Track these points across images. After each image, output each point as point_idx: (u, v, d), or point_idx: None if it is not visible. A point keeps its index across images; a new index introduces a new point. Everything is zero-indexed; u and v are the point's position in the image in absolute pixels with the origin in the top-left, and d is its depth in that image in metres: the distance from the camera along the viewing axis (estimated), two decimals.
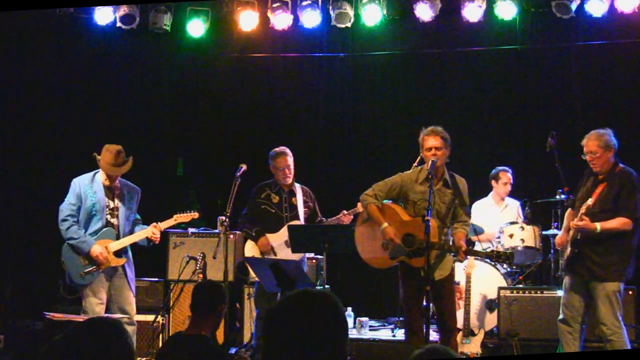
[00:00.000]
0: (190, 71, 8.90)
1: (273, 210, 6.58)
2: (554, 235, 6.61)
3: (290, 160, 6.60)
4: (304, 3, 7.93)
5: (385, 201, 5.54)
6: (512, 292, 6.61)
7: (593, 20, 7.73)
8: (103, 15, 8.03)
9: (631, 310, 6.45)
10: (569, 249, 5.53)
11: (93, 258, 5.78)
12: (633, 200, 5.35)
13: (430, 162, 5.26)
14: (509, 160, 7.94)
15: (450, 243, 5.46)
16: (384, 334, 7.28)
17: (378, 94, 8.91)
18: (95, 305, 5.78)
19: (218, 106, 8.97)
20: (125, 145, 6.07)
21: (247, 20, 8.09)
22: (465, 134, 8.16)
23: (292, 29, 8.09)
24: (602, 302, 5.33)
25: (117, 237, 5.92)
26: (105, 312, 5.82)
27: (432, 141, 5.37)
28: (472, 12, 7.75)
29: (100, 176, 5.94)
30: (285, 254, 6.40)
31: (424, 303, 5.42)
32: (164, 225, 6.11)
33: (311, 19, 8.01)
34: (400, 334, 6.87)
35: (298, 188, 6.71)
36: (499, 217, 7.52)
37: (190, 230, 7.20)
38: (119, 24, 8.01)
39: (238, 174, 6.21)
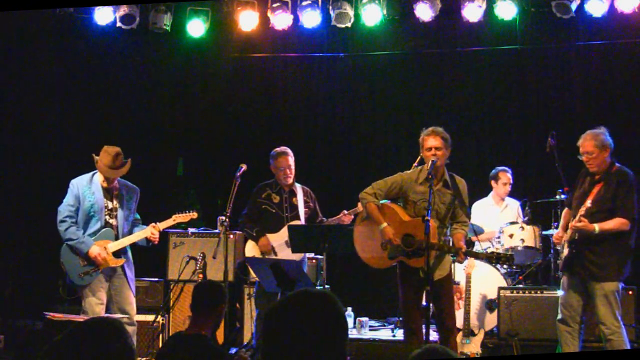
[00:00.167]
0: (190, 71, 8.91)
1: (274, 210, 6.58)
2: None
3: (291, 160, 6.60)
4: (304, 3, 7.93)
5: (384, 201, 5.54)
6: (512, 292, 6.61)
7: (593, 20, 7.73)
8: (103, 15, 8.03)
9: (631, 310, 6.45)
10: (566, 249, 5.53)
11: (92, 259, 5.79)
12: (630, 200, 5.36)
13: (430, 162, 5.26)
14: (509, 160, 7.94)
15: (450, 244, 5.47)
16: (384, 334, 7.28)
17: (378, 94, 8.91)
18: (95, 305, 5.78)
19: (218, 106, 8.96)
20: (125, 145, 6.07)
21: (247, 20, 8.09)
22: (465, 134, 8.17)
23: (292, 29, 8.09)
24: (600, 302, 5.33)
25: (116, 238, 5.91)
26: (105, 313, 5.82)
27: (432, 141, 5.37)
28: (472, 12, 7.76)
29: (99, 177, 5.93)
30: (285, 254, 6.40)
31: (424, 303, 5.43)
32: (163, 225, 6.10)
33: (311, 19, 8.01)
34: (400, 334, 6.87)
35: (299, 188, 6.71)
36: (498, 217, 7.52)
37: (190, 230, 7.20)
38: (119, 24, 8.01)
39: (238, 174, 6.21)
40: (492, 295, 6.77)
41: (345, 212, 6.63)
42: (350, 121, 8.98)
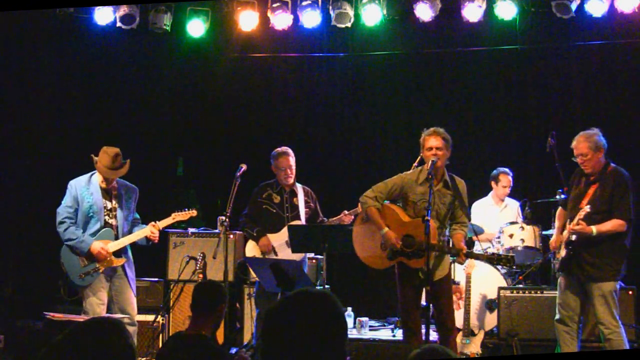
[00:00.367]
0: (190, 71, 8.90)
1: (274, 210, 6.58)
2: None
3: (292, 160, 6.60)
4: (304, 3, 7.92)
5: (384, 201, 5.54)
6: (512, 292, 6.61)
7: (593, 20, 7.72)
8: (103, 15, 8.03)
9: (631, 310, 6.45)
10: (564, 250, 5.52)
11: (94, 255, 5.76)
12: (626, 201, 5.36)
13: (430, 162, 5.26)
14: (509, 160, 7.94)
15: (450, 244, 5.46)
16: (384, 334, 7.29)
17: (378, 94, 8.90)
18: (96, 305, 5.77)
19: (218, 106, 8.96)
20: (125, 145, 6.07)
21: (247, 21, 8.09)
22: (465, 134, 8.16)
23: (292, 29, 8.08)
24: (599, 302, 5.33)
25: (116, 238, 5.91)
26: (106, 313, 5.81)
27: (433, 141, 5.37)
28: (472, 12, 7.75)
29: (97, 177, 5.92)
30: (286, 254, 6.40)
31: (424, 303, 5.43)
32: (163, 224, 6.09)
33: (311, 19, 8.00)
34: (400, 334, 6.87)
35: (299, 188, 6.71)
36: (498, 217, 7.52)
37: (190, 230, 7.21)
38: (119, 24, 8.00)
39: (238, 174, 6.22)
40: (492, 295, 6.77)
41: (346, 212, 6.63)
42: (351, 121, 8.98)
